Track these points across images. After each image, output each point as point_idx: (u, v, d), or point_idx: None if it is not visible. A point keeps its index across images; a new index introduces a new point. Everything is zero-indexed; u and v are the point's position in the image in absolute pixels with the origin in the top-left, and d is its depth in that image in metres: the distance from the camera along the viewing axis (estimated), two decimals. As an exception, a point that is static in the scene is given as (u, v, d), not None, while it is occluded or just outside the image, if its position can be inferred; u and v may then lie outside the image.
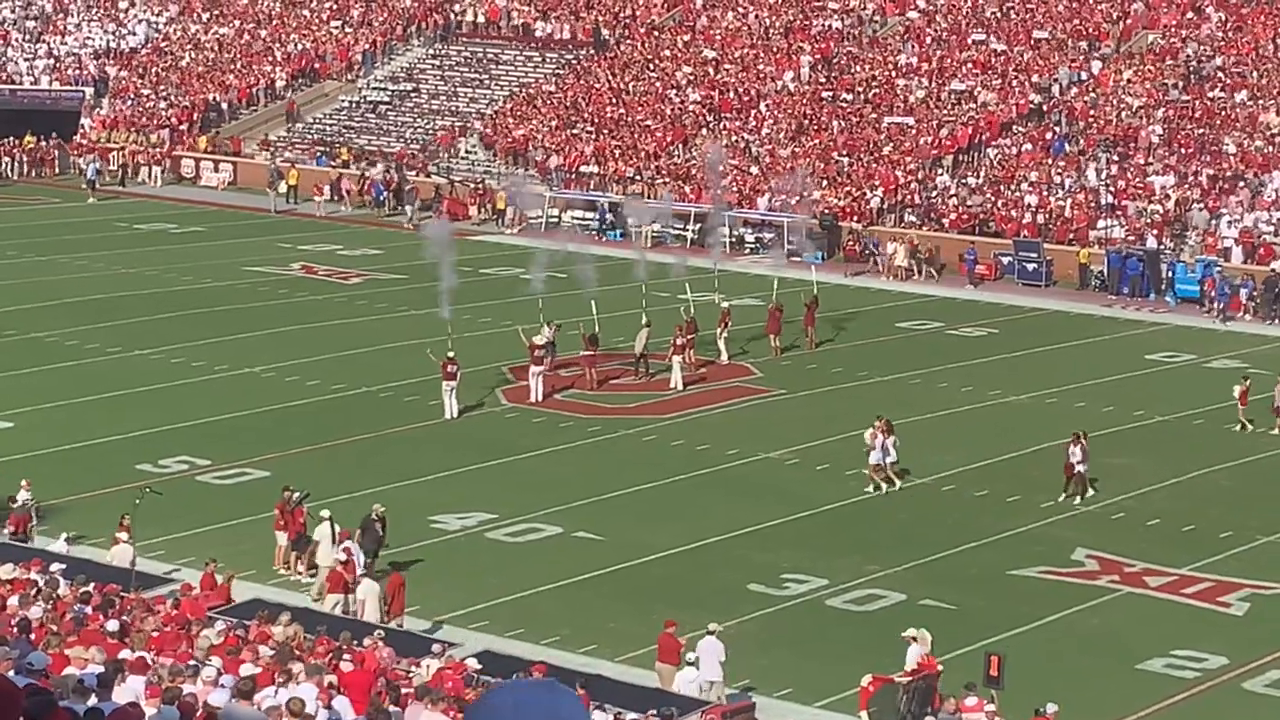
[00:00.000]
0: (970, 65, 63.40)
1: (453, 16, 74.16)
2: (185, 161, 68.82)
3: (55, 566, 27.68)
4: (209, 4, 78.76)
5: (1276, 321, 48.63)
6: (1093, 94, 60.68)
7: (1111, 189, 55.68)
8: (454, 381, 38.72)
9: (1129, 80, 60.62)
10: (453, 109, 68.47)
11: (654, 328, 43.76)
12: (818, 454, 36.15)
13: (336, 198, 64.90)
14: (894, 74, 64.34)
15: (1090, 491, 33.63)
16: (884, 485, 34.22)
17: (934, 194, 57.43)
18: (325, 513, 30.03)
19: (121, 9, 79.19)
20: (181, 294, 49.86)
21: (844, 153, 60.31)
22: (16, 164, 68.88)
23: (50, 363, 42.02)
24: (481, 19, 73.28)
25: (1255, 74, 59.23)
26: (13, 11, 78.95)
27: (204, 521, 31.01)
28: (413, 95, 70.44)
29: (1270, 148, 56.15)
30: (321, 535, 29.41)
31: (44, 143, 69.98)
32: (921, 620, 26.58)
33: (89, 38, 77.19)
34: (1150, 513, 33.05)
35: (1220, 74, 60.00)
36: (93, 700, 14.49)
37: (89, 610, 24.26)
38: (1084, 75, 61.72)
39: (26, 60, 76.09)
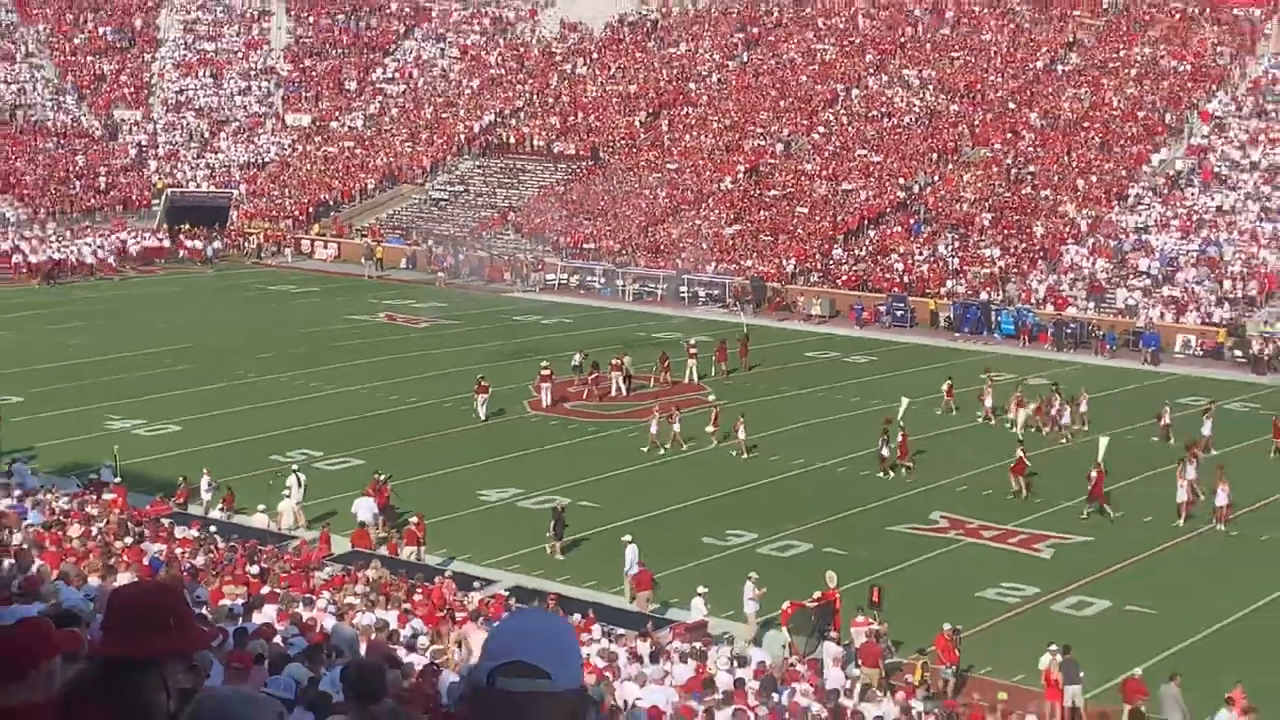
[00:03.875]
0: (856, 171, 63.39)
1: (492, 139, 73.83)
2: (304, 241, 68.72)
3: (212, 528, 27.67)
4: (320, 131, 78.30)
5: (1065, 351, 48.58)
6: (942, 191, 60.61)
7: (955, 258, 55.75)
8: (485, 395, 38.61)
9: (967, 181, 60.89)
10: (492, 204, 68.56)
11: (632, 357, 43.60)
12: (752, 443, 36.06)
13: (409, 266, 64.13)
14: (803, 178, 64.11)
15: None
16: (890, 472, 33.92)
17: (831, 262, 57.25)
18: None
19: (259, 135, 78.74)
20: (301, 335, 50.56)
21: (768, 234, 60.10)
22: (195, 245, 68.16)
23: (209, 383, 42.35)
24: (512, 140, 73.10)
25: (1055, 177, 59.25)
26: (181, 135, 78.42)
27: (318, 495, 30.85)
28: (463, 194, 70.43)
29: (1067, 229, 56.13)
30: (361, 507, 29.35)
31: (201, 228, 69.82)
32: (824, 564, 26.72)
33: (235, 155, 76.85)
34: (984, 486, 33.06)
35: (1031, 177, 60.04)
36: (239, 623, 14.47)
37: (236, 558, 24.30)
38: (936, 178, 61.73)
39: (191, 170, 75.74)
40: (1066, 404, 38.98)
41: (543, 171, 71.21)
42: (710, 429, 37.04)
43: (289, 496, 30.42)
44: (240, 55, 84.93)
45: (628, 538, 27.30)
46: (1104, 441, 33.36)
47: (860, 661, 23.03)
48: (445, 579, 25.40)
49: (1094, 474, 31.86)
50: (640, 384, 42.30)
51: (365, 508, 29.39)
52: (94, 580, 17.21)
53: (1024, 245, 56.71)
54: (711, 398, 41.11)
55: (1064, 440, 37.45)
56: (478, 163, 73.76)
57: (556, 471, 33.98)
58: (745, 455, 35.73)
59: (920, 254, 57.54)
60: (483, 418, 38.46)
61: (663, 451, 36.00)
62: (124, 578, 18.05)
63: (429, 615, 21.05)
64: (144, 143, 78.28)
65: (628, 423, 37.94)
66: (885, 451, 34.68)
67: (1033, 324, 51.89)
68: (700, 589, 25.32)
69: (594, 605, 24.68)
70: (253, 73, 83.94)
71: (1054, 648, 22.89)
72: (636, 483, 33.68)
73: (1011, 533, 30.32)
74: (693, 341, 46.43)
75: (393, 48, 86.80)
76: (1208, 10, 68.47)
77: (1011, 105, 66.06)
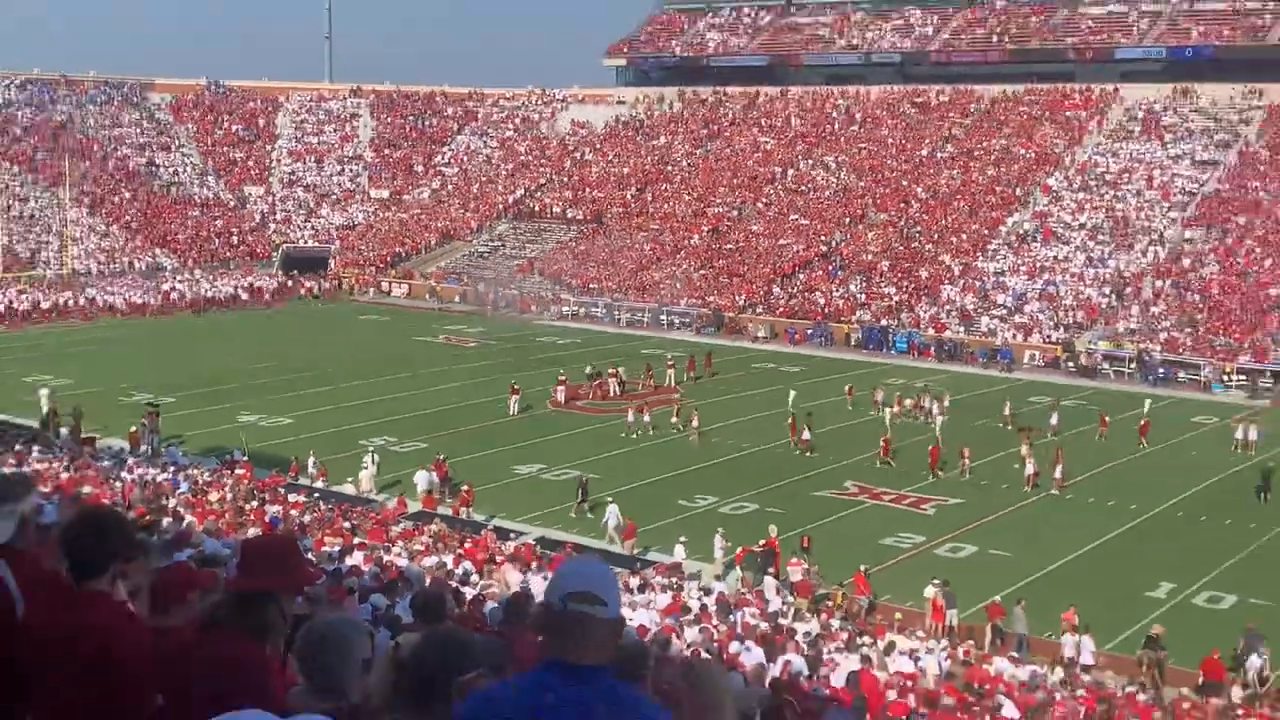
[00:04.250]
0: (789, 231, 63.68)
1: (522, 208, 74.02)
2: (383, 283, 68.80)
3: (316, 494, 27.64)
4: (395, 202, 78.45)
5: (943, 362, 49.07)
6: (852, 245, 60.81)
7: (862, 294, 55.86)
8: (517, 395, 38.68)
9: (871, 238, 61.11)
10: (522, 255, 68.64)
11: (625, 368, 43.62)
12: (714, 431, 36.07)
13: (461, 301, 64.31)
14: (751, 235, 64.43)
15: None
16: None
17: (772, 297, 57.39)
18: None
19: (350, 205, 78.95)
20: (384, 351, 50.10)
21: (725, 276, 60.28)
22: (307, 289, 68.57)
23: (313, 387, 42.17)
24: (536, 208, 73.36)
25: (935, 235, 59.54)
26: (293, 205, 78.77)
27: (392, 470, 30.84)
28: (500, 249, 70.65)
29: (944, 273, 56.38)
30: (419, 478, 29.41)
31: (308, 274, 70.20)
32: (767, 520, 26.76)
33: (333, 220, 77.06)
34: (910, 464, 33.12)
35: (918, 234, 60.30)
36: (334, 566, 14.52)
37: (334, 516, 24.23)
38: (848, 236, 61.97)
39: (300, 230, 75.91)
40: (934, 400, 38.96)
41: (559, 231, 71.25)
42: (673, 419, 37.04)
43: (366, 469, 30.42)
44: (336, 146, 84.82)
45: (610, 499, 27.59)
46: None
47: (795, 593, 23.08)
48: (488, 531, 25.47)
49: (931, 449, 32.69)
50: (631, 387, 42.00)
51: (422, 479, 29.23)
52: (229, 534, 17.28)
53: (912, 285, 56.78)
54: (676, 396, 41.03)
55: (931, 426, 37.62)
56: (511, 225, 73.74)
57: (569, 452, 33.77)
58: (697, 438, 35.48)
59: (836, 291, 57.60)
60: (515, 413, 38.11)
61: (634, 436, 35.88)
62: (251, 532, 18.07)
63: (476, 559, 21.08)
64: (265, 210, 78.16)
65: (621, 416, 38.04)
66: (807, 435, 34.53)
67: (919, 343, 51.84)
68: (681, 538, 25.42)
69: (598, 552, 24.68)
70: (345, 159, 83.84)
71: (936, 581, 23.01)
72: (628, 460, 33.44)
73: (904, 496, 30.29)
74: (670, 356, 46.34)
75: (449, 140, 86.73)
76: (1047, 113, 68.80)
77: (904, 182, 66.08)
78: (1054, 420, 36.57)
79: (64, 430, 33.26)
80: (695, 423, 36.10)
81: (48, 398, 35.72)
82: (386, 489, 29.98)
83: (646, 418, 36.61)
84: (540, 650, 2.78)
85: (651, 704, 2.81)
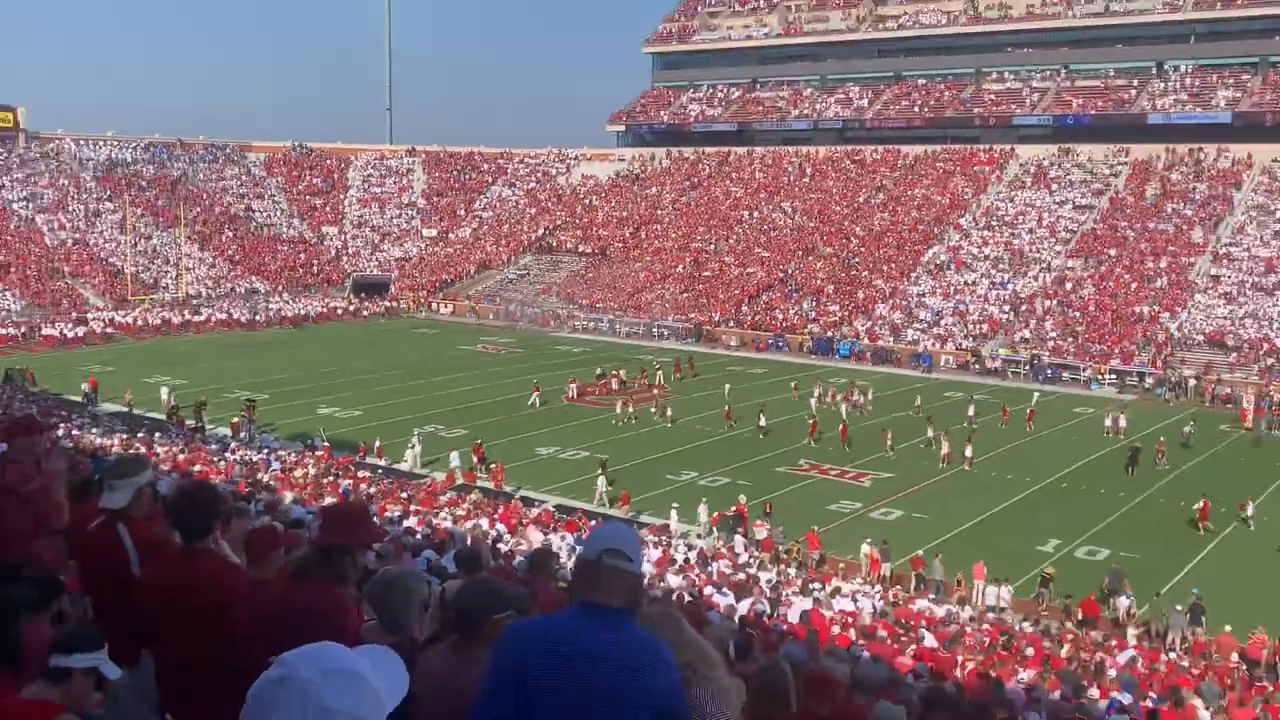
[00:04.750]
0: (754, 262, 63.76)
1: (542, 244, 74.00)
2: (434, 303, 68.70)
3: (379, 470, 27.51)
4: (442, 239, 78.36)
5: (878, 366, 48.88)
6: (804, 273, 60.88)
7: (813, 311, 55.89)
8: (538, 392, 38.53)
9: (819, 268, 61.04)
10: (543, 281, 68.54)
11: (625, 369, 43.46)
12: (697, 419, 36.02)
13: (495, 318, 64.16)
14: (724, 265, 64.49)
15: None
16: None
17: (741, 314, 57.36)
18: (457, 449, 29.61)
19: (406, 242, 78.90)
20: (434, 357, 49.80)
21: (704, 298, 60.33)
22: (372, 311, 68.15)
23: (378, 385, 41.69)
24: (554, 244, 73.29)
25: (870, 265, 59.87)
26: (361, 241, 78.65)
27: (439, 451, 30.68)
28: (526, 276, 70.54)
29: (878, 295, 56.66)
30: (453, 457, 29.10)
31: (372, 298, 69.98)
32: (738, 490, 26.68)
33: (393, 253, 76.93)
34: (828, 444, 33.03)
35: (856, 264, 60.26)
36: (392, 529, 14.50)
37: (394, 488, 24.14)
38: (801, 265, 61.86)
39: (367, 262, 75.90)
40: (862, 394, 39.19)
41: (572, 262, 71.03)
42: (653, 410, 36.86)
43: (413, 449, 30.21)
44: (395, 195, 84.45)
45: (599, 472, 27.33)
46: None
47: (760, 548, 23.07)
48: (516, 500, 25.37)
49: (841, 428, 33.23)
50: (630, 385, 42.08)
51: (455, 457, 28.86)
52: (311, 503, 17.29)
53: (852, 304, 56.61)
54: (655, 392, 40.65)
55: (860, 414, 37.42)
56: (534, 257, 73.50)
57: (580, 437, 33.49)
58: (669, 425, 35.28)
59: (792, 309, 57.44)
60: (536, 405, 38.18)
61: (619, 424, 35.54)
62: (328, 500, 18.03)
63: (508, 522, 21.05)
64: (339, 246, 77.83)
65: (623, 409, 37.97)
66: (762, 422, 34.45)
67: (858, 349, 51.68)
68: (674, 505, 25.31)
69: (601, 515, 24.65)
70: (402, 205, 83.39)
71: (870, 540, 22.99)
72: (627, 443, 32.98)
73: (846, 471, 30.09)
74: (658, 361, 46.36)
75: (485, 190, 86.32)
76: (958, 167, 68.81)
77: (845, 223, 65.93)
78: (971, 411, 36.44)
79: (189, 422, 33.18)
80: (670, 413, 35.85)
81: (170, 394, 35.73)
82: (430, 465, 29.72)
83: (631, 409, 36.47)
84: (572, 594, 2.79)
85: (653, 643, 2.77)
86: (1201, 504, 25.34)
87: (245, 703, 1.71)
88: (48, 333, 54.21)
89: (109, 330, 56.20)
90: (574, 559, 2.90)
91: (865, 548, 22.75)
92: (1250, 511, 25.69)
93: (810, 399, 38.09)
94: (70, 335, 54.25)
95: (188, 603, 3.93)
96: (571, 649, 2.58)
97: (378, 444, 30.75)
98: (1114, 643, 18.29)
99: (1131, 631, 19.35)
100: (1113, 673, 15.20)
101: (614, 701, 2.53)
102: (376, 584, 3.70)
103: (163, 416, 33.94)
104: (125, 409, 35.38)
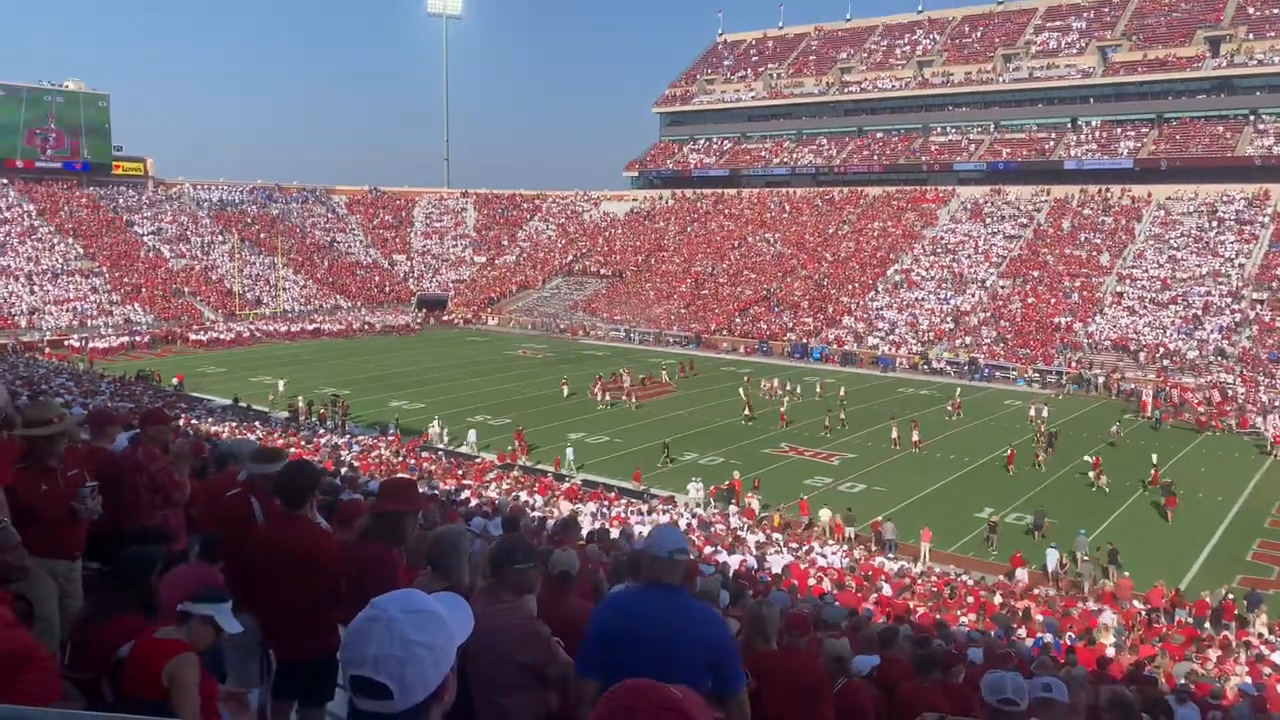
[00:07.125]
0: (744, 282, 63.50)
1: (572, 268, 73.87)
2: (483, 316, 68.56)
3: (440, 452, 27.40)
4: (490, 265, 78.20)
5: (844, 367, 48.82)
6: (784, 291, 60.62)
7: (791, 322, 55.52)
8: (567, 386, 38.49)
9: (796, 286, 60.83)
10: (572, 299, 68.47)
11: (639, 370, 43.39)
12: (699, 410, 35.93)
13: (533, 329, 63.88)
14: (719, 285, 64.33)
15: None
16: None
17: (734, 324, 57.16)
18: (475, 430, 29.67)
19: (461, 267, 78.88)
20: (484, 361, 49.62)
21: (703, 311, 60.17)
22: (424, 321, 67.83)
23: (438, 382, 41.16)
24: (580, 268, 73.13)
25: (838, 283, 59.55)
26: (424, 267, 78.72)
27: (486, 438, 30.69)
28: (558, 295, 70.42)
29: (844, 308, 56.27)
30: (471, 435, 29.17)
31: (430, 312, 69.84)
32: (731, 467, 26.57)
33: (450, 276, 77.14)
34: (805, 430, 32.90)
35: (827, 283, 60.13)
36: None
37: (451, 466, 24.07)
38: (782, 285, 61.66)
39: (429, 284, 75.62)
40: (794, 385, 39.29)
41: (595, 283, 70.88)
42: (624, 399, 36.56)
43: (435, 428, 30.14)
44: (451, 229, 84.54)
45: (569, 447, 27.22)
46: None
47: (743, 515, 23.02)
48: (549, 477, 25.30)
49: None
50: (637, 382, 41.80)
51: (472, 435, 29.00)
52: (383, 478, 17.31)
53: (823, 316, 56.37)
54: (648, 386, 40.23)
55: (795, 400, 37.07)
56: (564, 279, 73.43)
57: (602, 425, 33.05)
58: (634, 407, 35.24)
59: (775, 321, 57.35)
60: (565, 398, 38.05)
61: (601, 408, 35.35)
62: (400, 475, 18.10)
63: (542, 494, 21.05)
64: (406, 270, 77.79)
65: (628, 401, 37.70)
66: (748, 411, 34.20)
67: (828, 353, 51.49)
68: (694, 479, 24.85)
69: (619, 488, 24.62)
70: (458, 237, 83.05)
71: (831, 508, 22.89)
72: (641, 429, 32.67)
73: (820, 453, 29.73)
74: (664, 364, 46.23)
75: (524, 225, 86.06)
76: (910, 205, 68.39)
77: (818, 250, 65.58)
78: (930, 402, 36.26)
79: (313, 416, 33.14)
80: (635, 399, 35.82)
81: (284, 388, 36.40)
82: (464, 445, 29.53)
83: (607, 396, 36.40)
84: (646, 577, 3.03)
85: (706, 608, 3.06)
86: (1094, 459, 26.25)
87: (345, 636, 1.73)
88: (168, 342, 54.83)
89: (221, 338, 56.78)
90: (646, 554, 3.10)
91: (825, 513, 22.67)
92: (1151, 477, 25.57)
93: (744, 389, 37.74)
94: (194, 339, 55.14)
95: (291, 557, 3.98)
96: (645, 610, 2.93)
97: (437, 431, 30.50)
98: (1036, 590, 18.17)
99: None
100: (1039, 617, 15.11)
101: (673, 649, 2.85)
102: (436, 541, 3.72)
103: (265, 409, 34.10)
104: (233, 402, 35.52)
